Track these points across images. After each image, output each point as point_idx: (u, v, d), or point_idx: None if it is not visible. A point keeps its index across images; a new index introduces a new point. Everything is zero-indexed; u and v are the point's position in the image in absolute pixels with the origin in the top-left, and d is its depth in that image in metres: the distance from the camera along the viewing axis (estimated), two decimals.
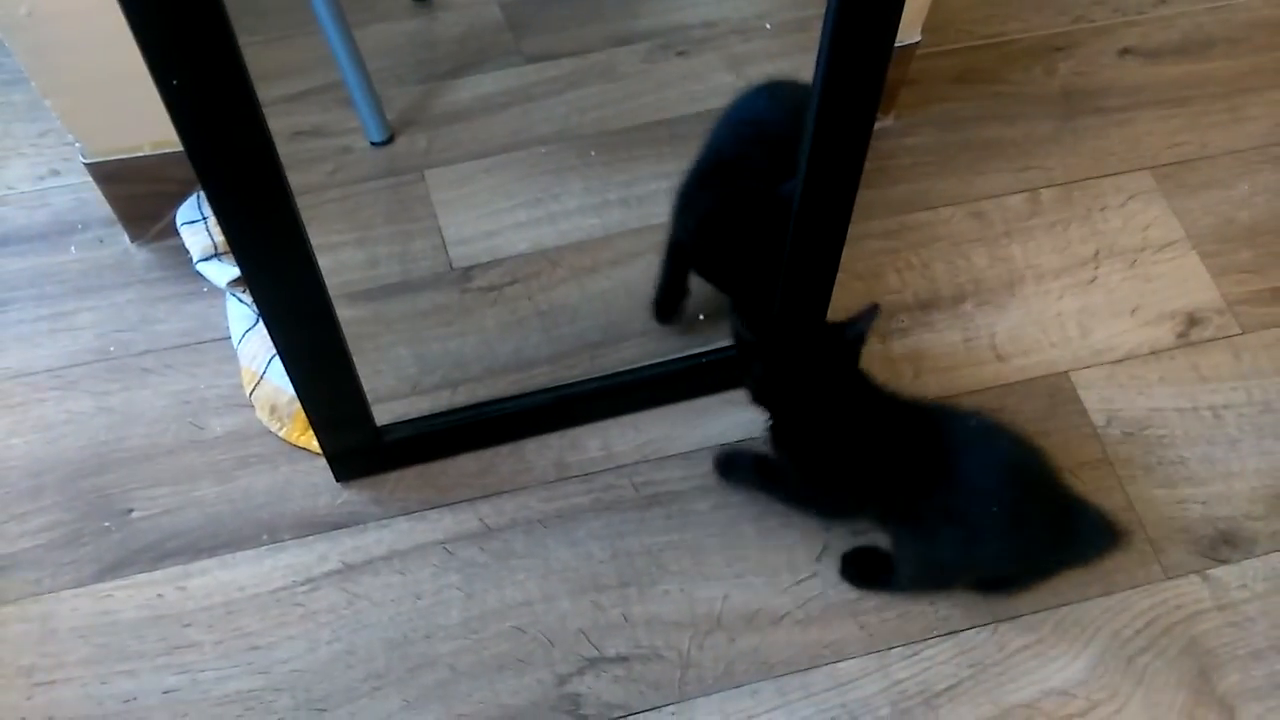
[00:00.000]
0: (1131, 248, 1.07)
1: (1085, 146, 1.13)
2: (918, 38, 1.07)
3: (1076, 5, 1.23)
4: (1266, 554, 0.91)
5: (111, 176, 0.99)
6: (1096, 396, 0.98)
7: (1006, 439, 0.82)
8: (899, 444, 0.82)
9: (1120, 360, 1.00)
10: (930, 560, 0.85)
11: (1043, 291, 1.04)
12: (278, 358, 0.79)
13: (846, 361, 0.84)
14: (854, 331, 0.83)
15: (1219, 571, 0.90)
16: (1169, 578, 0.89)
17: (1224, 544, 0.91)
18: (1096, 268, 1.05)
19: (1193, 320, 1.03)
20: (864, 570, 0.89)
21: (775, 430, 0.86)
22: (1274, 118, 1.16)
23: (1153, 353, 1.01)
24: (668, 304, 1.00)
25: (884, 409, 0.84)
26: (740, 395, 0.97)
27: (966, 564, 0.84)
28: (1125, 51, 1.21)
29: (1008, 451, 0.81)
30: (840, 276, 0.89)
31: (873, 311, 0.83)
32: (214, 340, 0.99)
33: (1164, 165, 1.12)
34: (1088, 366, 1.00)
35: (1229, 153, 1.14)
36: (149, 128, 0.94)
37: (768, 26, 1.17)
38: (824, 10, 0.67)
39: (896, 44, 0.71)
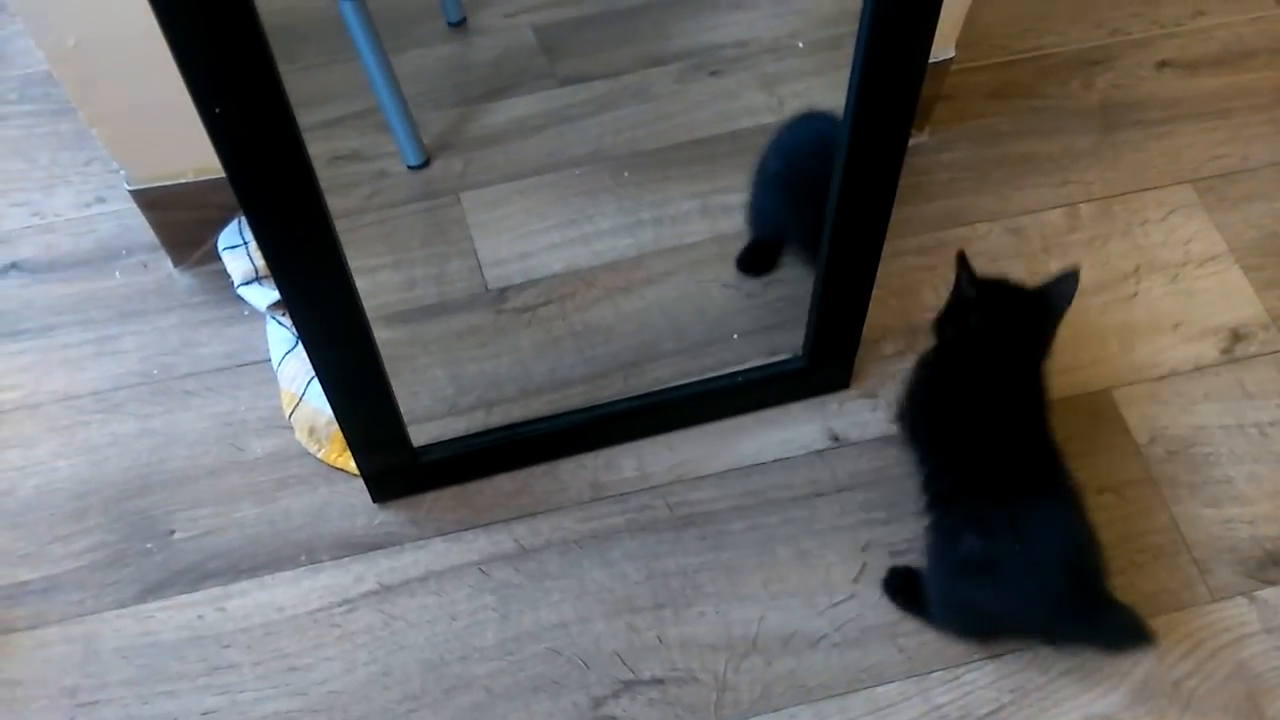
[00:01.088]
0: (1173, 262, 1.05)
1: (1124, 160, 1.12)
2: (952, 53, 1.06)
3: (1113, 18, 1.22)
4: None
5: (155, 203, 1.01)
6: (1139, 414, 0.96)
7: (1078, 522, 0.80)
8: (1007, 445, 0.82)
9: (1163, 377, 0.98)
10: (950, 594, 0.84)
11: (1083, 308, 1.02)
12: (316, 380, 0.80)
13: (1051, 325, 0.85)
14: (1060, 296, 0.84)
15: (1267, 593, 0.88)
16: (1215, 600, 0.87)
17: (1272, 565, 0.89)
18: (1138, 283, 1.04)
19: (1237, 336, 1.01)
20: (906, 590, 0.88)
21: (933, 379, 0.88)
22: None
23: (1197, 369, 0.99)
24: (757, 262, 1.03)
25: (1030, 408, 0.84)
26: (774, 414, 0.97)
27: (983, 611, 0.83)
28: (1163, 64, 1.19)
29: (1074, 535, 0.79)
30: (876, 293, 0.88)
31: (1074, 276, 0.84)
32: (254, 363, 1.00)
33: (1205, 178, 1.10)
34: (1130, 383, 0.98)
35: (1272, 164, 1.12)
36: (192, 155, 0.96)
37: (800, 45, 1.17)
38: (857, 28, 0.67)
39: (930, 60, 0.71)
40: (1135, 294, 1.03)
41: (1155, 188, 1.10)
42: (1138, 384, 0.98)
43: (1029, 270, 1.04)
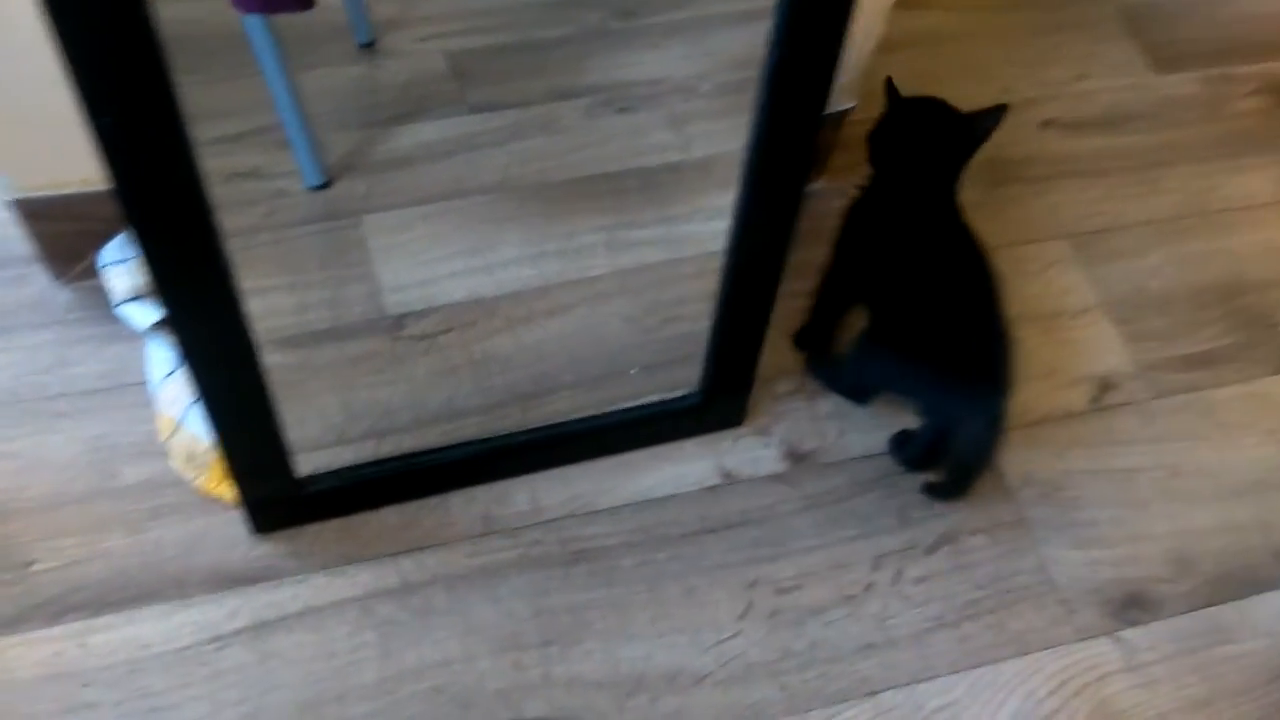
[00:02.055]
0: (1049, 313, 1.10)
1: (1008, 214, 1.17)
2: (852, 104, 1.10)
3: (1002, 77, 1.28)
4: (1174, 616, 0.93)
5: (36, 213, 0.96)
6: (1013, 458, 1.00)
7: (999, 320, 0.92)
8: (938, 250, 0.93)
9: (1037, 422, 1.03)
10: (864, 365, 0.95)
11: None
12: (197, 405, 0.77)
13: (969, 148, 0.95)
14: (983, 124, 0.94)
15: (1129, 633, 0.92)
16: (1080, 639, 0.92)
17: (1134, 606, 0.94)
18: (1016, 331, 1.08)
19: (1106, 385, 1.06)
20: (821, 364, 1.01)
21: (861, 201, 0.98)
22: (1186, 191, 1.22)
23: (1067, 416, 1.04)
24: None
25: (952, 226, 0.95)
26: (669, 450, 0.98)
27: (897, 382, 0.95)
28: (1047, 124, 1.26)
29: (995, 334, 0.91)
30: (771, 333, 0.90)
31: (1001, 110, 0.93)
32: (132, 385, 0.96)
33: (1081, 234, 1.17)
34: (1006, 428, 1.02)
35: (1143, 223, 1.18)
36: (78, 165, 0.92)
37: (704, 89, 1.20)
38: (758, 75, 0.69)
39: (830, 109, 0.73)
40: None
41: (1035, 241, 1.16)
42: (1013, 429, 1.02)
43: None
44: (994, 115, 0.94)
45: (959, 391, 0.91)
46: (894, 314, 0.93)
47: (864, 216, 0.98)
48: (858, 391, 1.01)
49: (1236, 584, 0.95)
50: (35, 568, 0.87)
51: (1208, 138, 1.27)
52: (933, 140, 0.95)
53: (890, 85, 0.96)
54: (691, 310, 1.05)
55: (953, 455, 0.94)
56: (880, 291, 0.95)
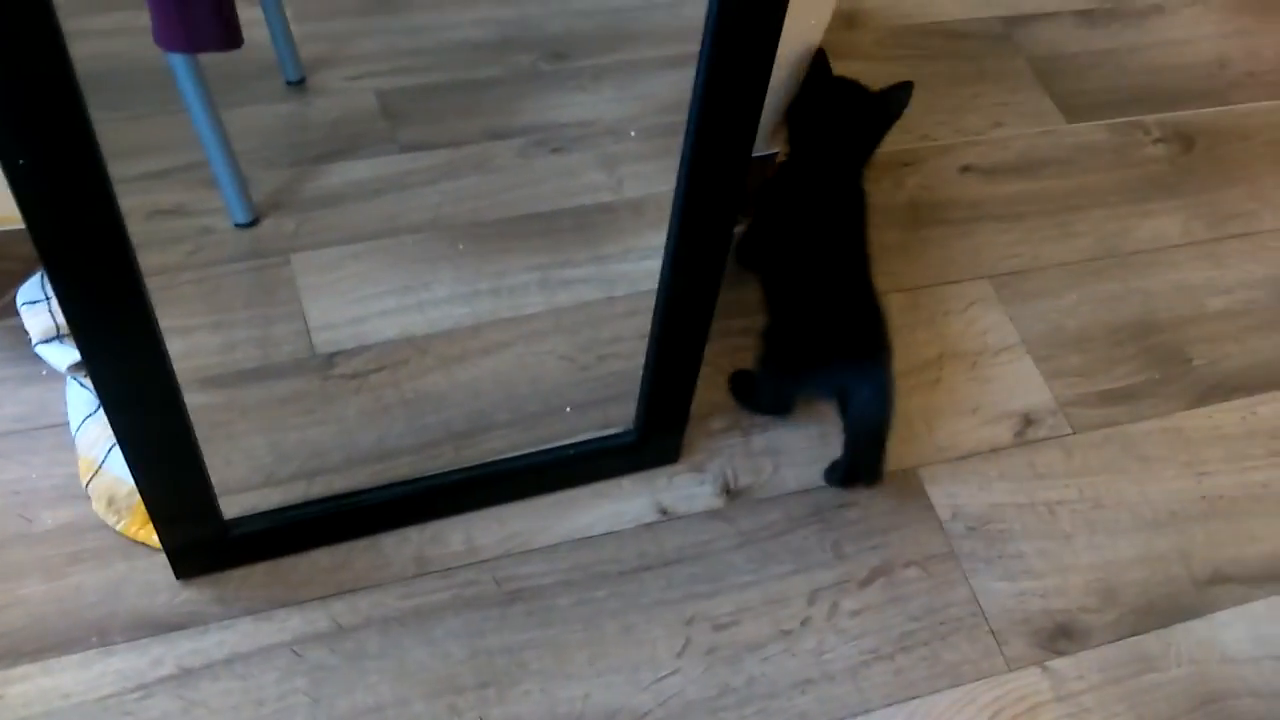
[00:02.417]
0: (972, 351, 1.14)
1: (930, 255, 1.21)
2: (779, 148, 1.13)
3: (922, 124, 1.33)
4: (1100, 645, 0.96)
5: None
6: (942, 492, 1.02)
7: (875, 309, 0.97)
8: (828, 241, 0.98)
9: (963, 457, 1.05)
10: (773, 372, 0.99)
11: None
12: (118, 447, 0.75)
13: (882, 125, 1.01)
14: (895, 100, 0.99)
15: (1058, 663, 0.94)
16: (1011, 669, 0.93)
17: (1062, 636, 0.96)
18: (940, 369, 1.12)
19: (1028, 420, 1.09)
20: (744, 388, 1.03)
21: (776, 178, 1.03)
22: (1098, 234, 1.27)
23: (993, 450, 1.06)
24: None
25: (854, 203, 1.01)
26: (605, 487, 0.97)
27: (793, 379, 1.00)
28: (966, 169, 1.30)
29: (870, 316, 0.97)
30: (705, 370, 0.91)
31: (909, 86, 0.98)
32: (50, 426, 0.93)
33: (1001, 274, 1.21)
34: (934, 463, 1.04)
35: (1058, 265, 1.23)
36: None
37: (632, 134, 1.22)
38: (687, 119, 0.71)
39: (756, 154, 0.75)
40: (939, 379, 1.11)
41: (957, 281, 1.19)
42: (940, 464, 1.04)
43: None
44: (903, 91, 0.99)
45: (844, 361, 0.95)
46: (785, 291, 0.99)
47: (777, 190, 1.03)
48: (776, 400, 1.03)
49: (1160, 613, 0.98)
50: None
51: (1118, 183, 1.33)
52: (847, 116, 1.00)
53: (820, 57, 1.00)
54: (626, 348, 1.05)
55: (850, 432, 0.97)
56: (778, 268, 1.01)
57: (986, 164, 1.31)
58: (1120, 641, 0.96)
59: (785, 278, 1.00)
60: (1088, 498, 1.05)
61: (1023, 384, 1.12)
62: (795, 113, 1.03)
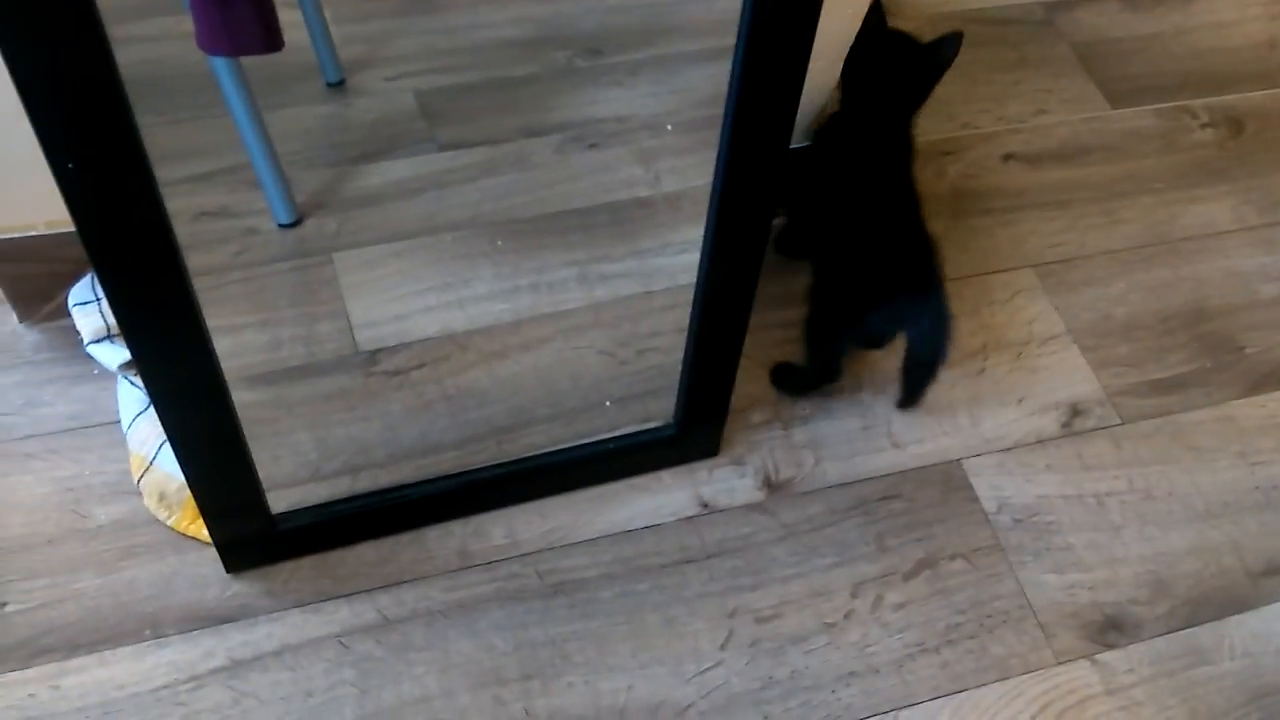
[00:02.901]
0: (1017, 341, 1.12)
1: (973, 245, 1.19)
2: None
3: (964, 113, 1.31)
4: (1151, 638, 0.94)
5: (3, 255, 0.96)
6: (987, 484, 1.01)
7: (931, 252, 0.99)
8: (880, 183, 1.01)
9: (1009, 449, 1.04)
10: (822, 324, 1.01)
11: (936, 382, 1.07)
12: (169, 444, 0.77)
13: (932, 75, 1.02)
14: (944, 52, 1.00)
15: (1107, 656, 0.93)
16: (1060, 663, 0.92)
17: (1111, 629, 0.94)
18: (985, 360, 1.10)
19: (1075, 411, 1.07)
20: (788, 377, 1.04)
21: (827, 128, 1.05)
22: (1145, 220, 1.24)
23: (1039, 442, 1.05)
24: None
25: (902, 154, 1.03)
26: (645, 481, 0.97)
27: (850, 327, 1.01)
28: (1009, 157, 1.28)
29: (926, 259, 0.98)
30: (744, 363, 0.91)
31: (959, 37, 0.99)
32: (103, 424, 0.95)
33: (1046, 264, 1.19)
34: (979, 454, 1.03)
35: (1105, 253, 1.21)
36: (44, 207, 0.92)
37: (669, 128, 1.22)
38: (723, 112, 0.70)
39: (793, 146, 0.75)
40: (983, 370, 1.09)
41: (1001, 271, 1.18)
42: (986, 455, 1.03)
43: (886, 347, 1.09)
44: (953, 41, 1.00)
45: (904, 294, 0.97)
46: (839, 238, 1.01)
47: (829, 140, 1.05)
48: (827, 361, 1.03)
49: (1213, 605, 0.96)
50: (7, 609, 0.85)
51: (1165, 169, 1.30)
52: (899, 67, 1.02)
53: (876, 9, 1.01)
54: (665, 342, 1.05)
55: (909, 362, 1.00)
56: (831, 216, 1.03)
57: (1030, 151, 1.29)
58: (1172, 634, 0.94)
59: (839, 225, 1.01)
60: (1138, 489, 1.03)
61: (1070, 374, 1.10)
62: (850, 64, 1.04)
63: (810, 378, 1.04)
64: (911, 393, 1.02)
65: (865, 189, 1.01)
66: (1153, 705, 0.90)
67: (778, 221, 1.09)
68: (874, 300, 0.98)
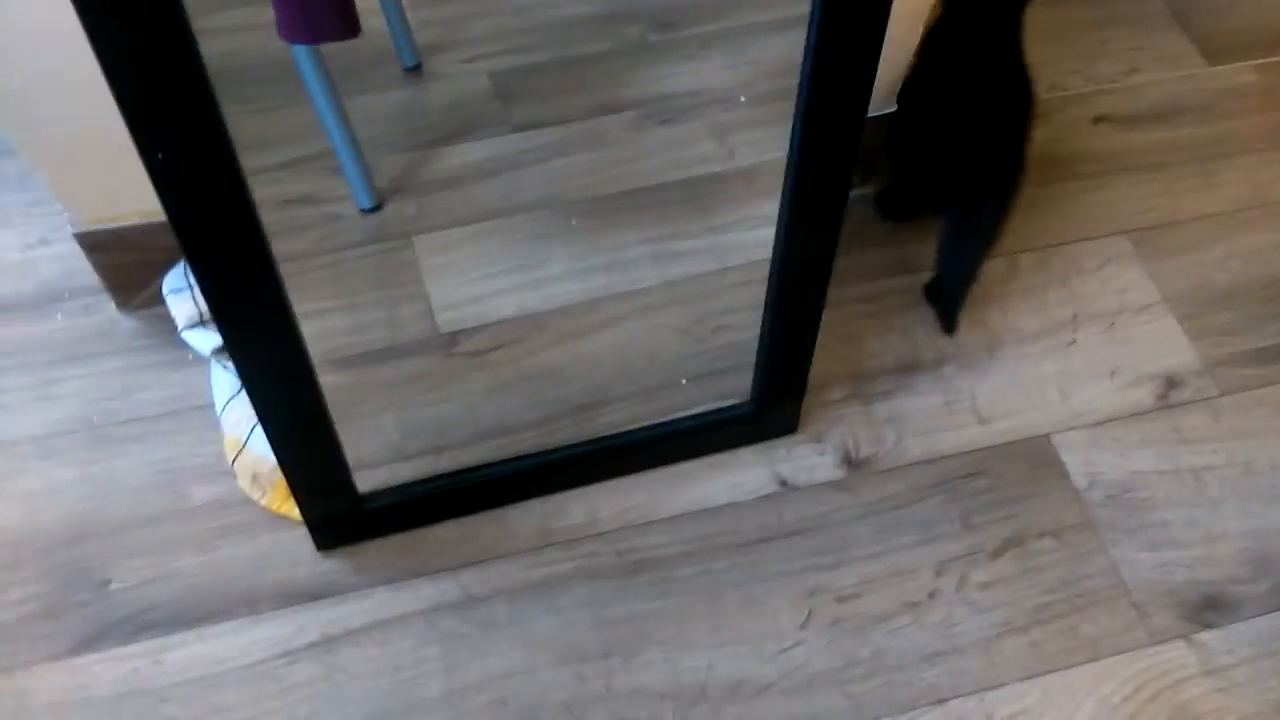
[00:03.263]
0: (1109, 311, 1.08)
1: (1061, 211, 1.15)
2: (894, 107, 1.09)
3: (1050, 74, 1.26)
4: (1252, 618, 0.90)
5: (99, 245, 0.99)
6: (1078, 459, 0.98)
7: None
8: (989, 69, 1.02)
9: (1101, 423, 1.01)
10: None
11: (1022, 355, 1.05)
12: (260, 426, 0.79)
13: None
14: None
15: (1205, 636, 0.89)
16: (1155, 643, 0.89)
17: (1209, 608, 0.91)
18: (1075, 331, 1.06)
19: (1171, 382, 1.03)
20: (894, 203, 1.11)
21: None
22: (1246, 182, 1.19)
23: (1133, 415, 1.01)
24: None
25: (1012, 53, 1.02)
26: (724, 459, 0.97)
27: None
28: (1099, 119, 1.23)
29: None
30: (822, 339, 0.90)
31: None
32: (198, 408, 0.99)
33: (1139, 229, 1.14)
34: (1069, 429, 1.00)
35: (1203, 217, 1.16)
36: (137, 198, 0.95)
37: (742, 100, 1.20)
38: (798, 82, 0.69)
39: (872, 114, 0.73)
40: (1073, 341, 1.06)
41: (1091, 238, 1.13)
42: (1076, 429, 1.00)
43: (969, 319, 1.07)
44: None
45: (984, 171, 1.01)
46: (946, 120, 1.04)
47: (939, 38, 1.04)
48: (903, 200, 1.10)
49: None
50: (111, 586, 0.89)
51: (1265, 128, 1.23)
52: None
53: None
54: (741, 319, 1.05)
55: (959, 240, 1.04)
56: (943, 105, 1.04)
57: (1122, 113, 1.24)
58: (1273, 614, 0.90)
59: (946, 113, 1.03)
60: (1237, 463, 0.98)
61: (1165, 344, 1.06)
62: None
63: (887, 204, 1.10)
64: (945, 282, 1.05)
65: (977, 85, 1.02)
66: (1253, 687, 0.87)
67: (860, 192, 1.07)
68: (961, 169, 1.02)
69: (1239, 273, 1.11)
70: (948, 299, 1.05)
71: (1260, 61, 1.29)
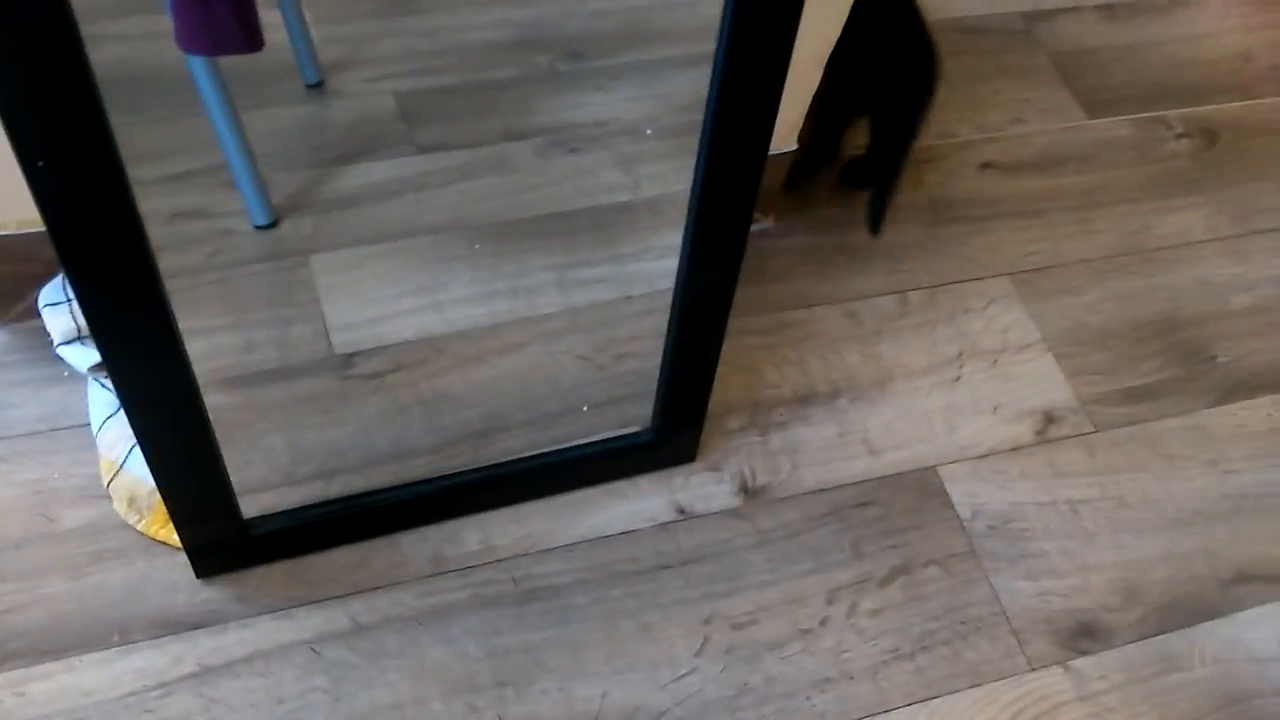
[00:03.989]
0: (992, 349, 1.13)
1: (950, 252, 1.20)
2: (794, 145, 1.12)
3: (941, 121, 1.32)
4: (1124, 645, 0.95)
5: None
6: (962, 490, 1.02)
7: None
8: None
9: (984, 456, 1.05)
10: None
11: (912, 389, 1.08)
12: (139, 447, 0.76)
13: None
14: None
15: (1080, 663, 0.93)
16: (1033, 669, 0.92)
17: (1084, 635, 0.95)
18: (961, 367, 1.11)
19: (1050, 418, 1.08)
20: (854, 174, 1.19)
21: None
22: (1120, 230, 1.26)
23: (1014, 449, 1.06)
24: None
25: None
26: (622, 487, 0.97)
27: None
28: (986, 165, 1.29)
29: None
30: (721, 369, 0.91)
31: None
32: (72, 427, 0.94)
33: (1021, 272, 1.20)
34: (954, 461, 1.04)
35: (1080, 261, 1.22)
36: (14, 206, 0.91)
37: (649, 132, 1.22)
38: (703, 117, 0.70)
39: (773, 151, 0.75)
40: (959, 377, 1.10)
41: (977, 279, 1.18)
42: (961, 462, 1.04)
43: (862, 354, 1.10)
44: None
45: (901, 76, 1.08)
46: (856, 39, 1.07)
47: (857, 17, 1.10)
48: (832, 129, 1.15)
49: (1184, 613, 0.97)
50: None
51: (1140, 179, 1.31)
52: None
53: None
54: (643, 347, 1.05)
55: (884, 132, 1.12)
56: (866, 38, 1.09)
57: (1007, 160, 1.30)
58: (1144, 641, 0.95)
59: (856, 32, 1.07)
60: (1111, 496, 1.03)
61: (1044, 382, 1.11)
62: None
63: (819, 145, 1.14)
64: (872, 164, 1.15)
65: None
66: (1125, 712, 0.91)
67: (760, 227, 1.09)
68: (878, 76, 1.10)
69: (1112, 315, 1.18)
70: (874, 202, 1.15)
71: (1136, 116, 1.37)
